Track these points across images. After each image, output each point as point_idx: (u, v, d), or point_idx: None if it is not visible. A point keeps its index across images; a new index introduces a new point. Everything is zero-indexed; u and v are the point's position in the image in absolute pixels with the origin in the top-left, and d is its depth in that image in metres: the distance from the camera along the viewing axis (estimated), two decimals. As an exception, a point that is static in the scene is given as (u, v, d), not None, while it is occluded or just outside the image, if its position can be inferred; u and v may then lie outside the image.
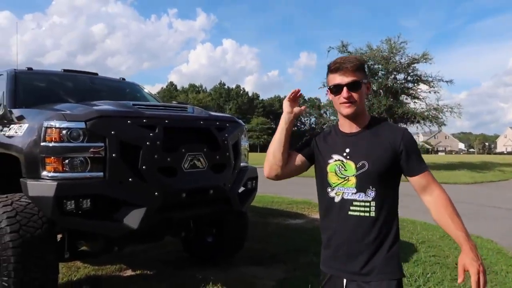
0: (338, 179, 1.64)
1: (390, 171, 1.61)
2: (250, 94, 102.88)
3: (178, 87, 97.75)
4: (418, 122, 20.92)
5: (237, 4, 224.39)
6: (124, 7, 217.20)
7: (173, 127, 3.08)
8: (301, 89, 1.68)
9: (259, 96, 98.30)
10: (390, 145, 1.60)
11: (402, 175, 1.68)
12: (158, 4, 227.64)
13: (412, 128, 21.48)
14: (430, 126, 21.39)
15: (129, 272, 4.06)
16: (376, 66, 20.15)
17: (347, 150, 1.65)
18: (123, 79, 5.24)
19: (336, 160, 1.66)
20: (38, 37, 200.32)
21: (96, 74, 4.93)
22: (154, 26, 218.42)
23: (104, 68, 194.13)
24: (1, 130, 3.31)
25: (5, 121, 3.35)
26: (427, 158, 40.78)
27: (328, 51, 20.84)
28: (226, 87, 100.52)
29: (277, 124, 1.75)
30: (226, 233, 4.12)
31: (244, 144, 3.84)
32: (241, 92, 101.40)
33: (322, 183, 1.72)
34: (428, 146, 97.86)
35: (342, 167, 1.64)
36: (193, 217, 3.55)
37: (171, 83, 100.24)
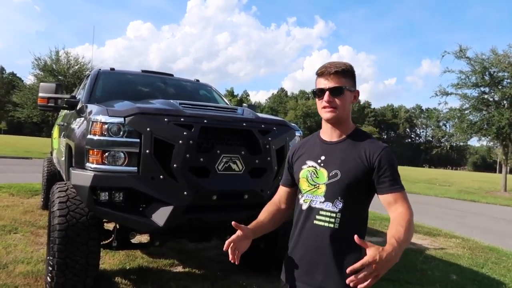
0: (309, 186, 1.61)
1: (362, 186, 1.55)
2: (361, 102, 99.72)
3: (290, 94, 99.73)
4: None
5: (357, 9, 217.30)
6: (247, 17, 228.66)
7: (211, 127, 3.01)
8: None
9: (370, 105, 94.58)
10: (366, 159, 1.54)
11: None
12: (278, 13, 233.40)
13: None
14: None
15: (179, 268, 4.13)
16: (500, 74, 17.37)
17: (322, 158, 1.62)
18: (197, 80, 5.43)
19: (309, 166, 1.64)
20: (172, 45, 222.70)
21: (172, 75, 5.18)
22: (273, 34, 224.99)
23: (225, 73, 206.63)
24: (74, 123, 3.65)
25: (82, 115, 3.68)
26: None
27: (443, 56, 18.57)
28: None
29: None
30: (277, 242, 3.91)
31: (296, 150, 3.59)
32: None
33: (298, 190, 1.71)
34: None
35: (314, 173, 1.61)
36: (227, 221, 3.42)
37: (282, 89, 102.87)
